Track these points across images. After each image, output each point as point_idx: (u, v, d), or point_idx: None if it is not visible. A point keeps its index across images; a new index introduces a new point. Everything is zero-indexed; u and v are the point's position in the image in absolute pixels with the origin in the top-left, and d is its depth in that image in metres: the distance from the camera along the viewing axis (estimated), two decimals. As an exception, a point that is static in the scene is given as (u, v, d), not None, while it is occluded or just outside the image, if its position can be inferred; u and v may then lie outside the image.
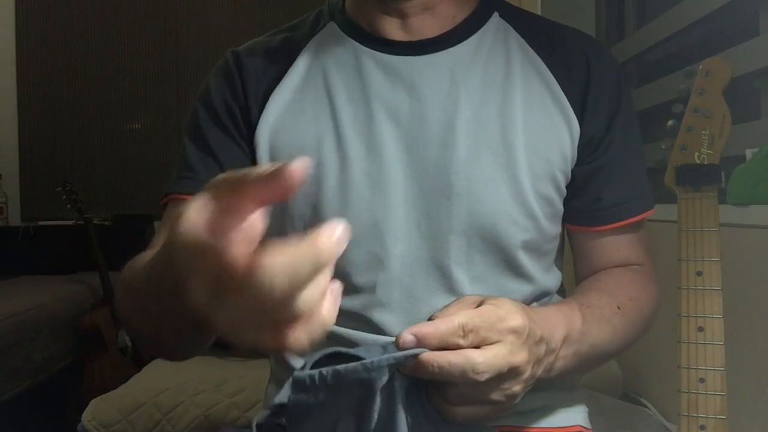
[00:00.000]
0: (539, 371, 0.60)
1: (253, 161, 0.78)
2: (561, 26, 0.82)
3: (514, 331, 0.56)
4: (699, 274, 0.81)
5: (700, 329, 0.81)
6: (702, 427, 0.80)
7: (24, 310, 2.41)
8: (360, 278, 0.73)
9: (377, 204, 0.72)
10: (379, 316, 0.72)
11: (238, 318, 0.37)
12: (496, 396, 0.57)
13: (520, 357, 0.56)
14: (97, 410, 1.67)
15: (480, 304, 0.59)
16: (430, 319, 0.57)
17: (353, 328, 0.73)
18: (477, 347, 0.55)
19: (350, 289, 0.73)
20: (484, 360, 0.54)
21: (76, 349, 2.66)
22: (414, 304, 0.72)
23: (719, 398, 0.79)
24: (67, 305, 2.70)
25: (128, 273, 0.66)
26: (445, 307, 0.60)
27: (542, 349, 0.60)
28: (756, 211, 1.02)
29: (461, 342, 0.54)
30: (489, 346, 0.55)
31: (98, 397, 1.72)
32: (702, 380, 0.80)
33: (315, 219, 0.73)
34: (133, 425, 1.65)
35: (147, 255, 0.64)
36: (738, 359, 0.88)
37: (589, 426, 0.81)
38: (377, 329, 0.72)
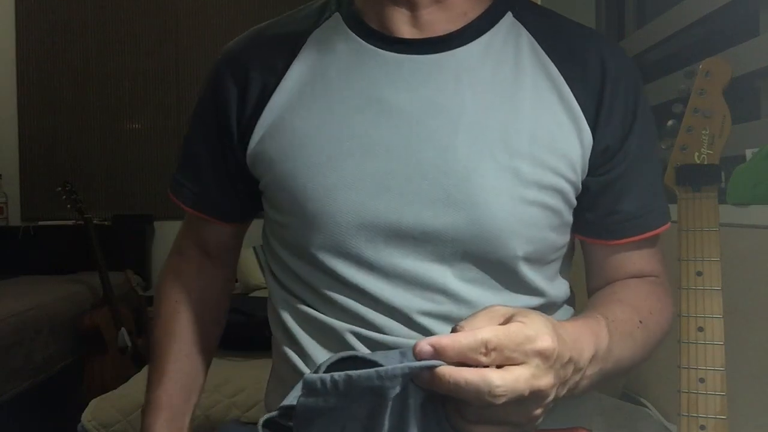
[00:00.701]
0: (563, 392, 0.57)
1: (243, 160, 0.78)
2: (579, 27, 0.79)
3: (541, 354, 0.52)
4: (699, 274, 0.81)
5: (700, 329, 0.81)
6: (702, 427, 0.80)
7: (24, 310, 2.41)
8: (359, 281, 0.72)
9: (373, 207, 0.71)
10: (380, 319, 0.72)
11: None
12: (515, 418, 0.53)
13: (545, 381, 0.52)
14: (97, 410, 1.67)
15: (509, 317, 0.55)
16: (454, 330, 0.53)
17: (358, 326, 0.73)
18: (500, 366, 0.51)
19: (350, 290, 0.73)
20: (503, 383, 0.50)
21: (76, 349, 2.66)
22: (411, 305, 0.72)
23: (719, 398, 0.79)
24: (67, 305, 2.70)
25: (163, 308, 0.89)
26: (472, 315, 0.56)
27: (569, 370, 0.56)
28: (756, 211, 1.02)
29: (482, 359, 0.50)
30: (511, 368, 0.51)
31: (98, 397, 1.72)
32: (702, 380, 0.80)
33: (307, 222, 0.73)
34: (133, 425, 1.65)
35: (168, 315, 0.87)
36: (738, 359, 0.87)
37: (589, 426, 0.81)
38: (376, 328, 0.72)
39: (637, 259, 0.78)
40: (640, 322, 0.71)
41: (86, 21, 3.61)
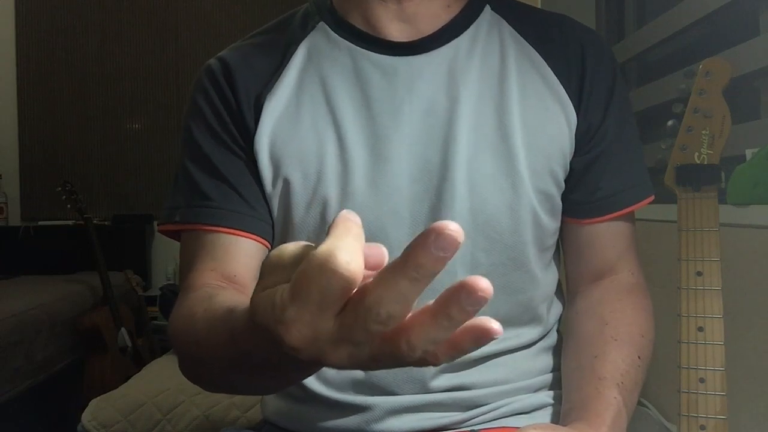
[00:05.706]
0: None
1: (255, 169, 0.75)
2: (553, 15, 0.81)
3: None
4: (699, 274, 0.81)
5: (700, 329, 0.81)
6: (702, 427, 0.80)
7: (24, 310, 2.41)
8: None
9: (383, 210, 0.72)
10: None
11: (355, 352, 0.36)
12: None
13: None
14: (97, 410, 1.67)
15: None
16: None
17: None
18: None
19: None
20: None
21: (76, 349, 2.66)
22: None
23: (719, 398, 0.79)
24: (67, 305, 2.70)
25: (189, 329, 0.61)
26: None
27: None
28: (756, 211, 1.02)
29: None
30: None
31: (98, 397, 1.72)
32: (702, 380, 0.80)
33: (320, 231, 0.73)
34: (133, 425, 1.65)
35: (208, 313, 0.59)
36: (738, 359, 0.88)
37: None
38: None
39: (616, 242, 0.79)
40: (639, 357, 0.73)
41: (86, 21, 3.61)
